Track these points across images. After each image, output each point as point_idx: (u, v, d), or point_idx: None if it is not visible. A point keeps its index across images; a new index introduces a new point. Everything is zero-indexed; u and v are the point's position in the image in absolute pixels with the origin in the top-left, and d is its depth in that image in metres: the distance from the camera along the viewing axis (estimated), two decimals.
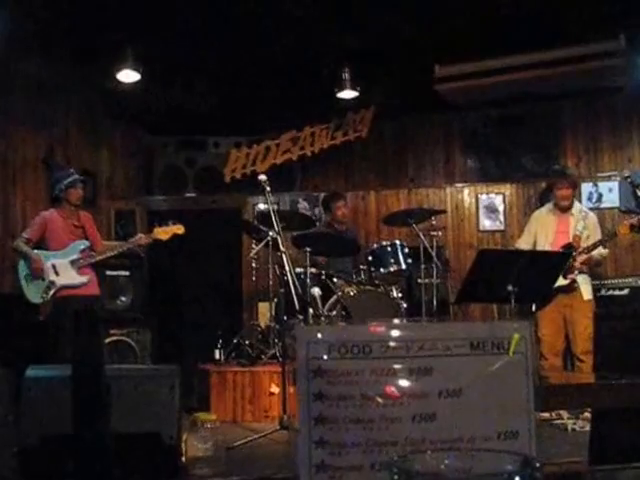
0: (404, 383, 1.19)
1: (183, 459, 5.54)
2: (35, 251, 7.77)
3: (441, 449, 1.06)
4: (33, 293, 7.67)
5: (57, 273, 7.72)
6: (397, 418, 1.18)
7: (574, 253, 7.58)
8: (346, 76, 10.07)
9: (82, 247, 7.96)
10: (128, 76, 9.36)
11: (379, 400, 1.18)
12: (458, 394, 1.19)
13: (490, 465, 0.82)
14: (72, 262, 7.81)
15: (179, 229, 8.17)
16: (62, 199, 7.99)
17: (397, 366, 1.20)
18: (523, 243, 8.23)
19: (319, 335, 1.20)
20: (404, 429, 1.17)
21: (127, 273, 9.47)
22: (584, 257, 7.71)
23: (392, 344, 1.20)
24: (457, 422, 1.18)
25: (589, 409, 5.49)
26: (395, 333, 1.21)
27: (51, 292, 7.66)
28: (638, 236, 10.05)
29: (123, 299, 9.49)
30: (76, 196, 8.05)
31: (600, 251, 7.88)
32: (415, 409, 1.18)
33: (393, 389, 1.18)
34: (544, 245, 7.93)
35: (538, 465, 0.79)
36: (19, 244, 7.82)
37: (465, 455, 0.90)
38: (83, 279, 7.83)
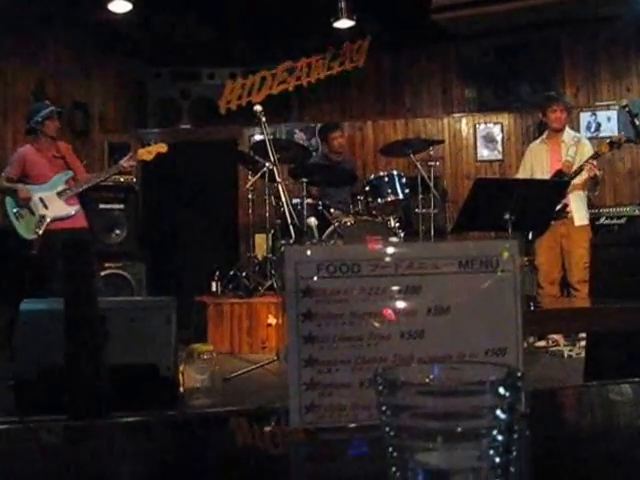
0: (393, 301, 1.18)
1: (181, 390, 5.58)
2: (19, 184, 7.69)
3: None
4: (25, 229, 7.59)
5: (46, 206, 7.63)
6: (386, 335, 1.17)
7: (566, 178, 7.57)
8: (342, 5, 9.96)
9: (67, 178, 7.85)
10: (119, 6, 9.25)
11: (368, 318, 1.17)
12: (447, 312, 1.18)
13: (475, 377, 0.81)
14: (59, 193, 7.71)
15: (162, 147, 8.11)
16: (38, 131, 7.85)
17: (386, 284, 1.18)
18: (520, 177, 8.20)
19: (307, 254, 1.19)
20: (393, 346, 1.17)
21: (121, 206, 9.45)
22: (579, 179, 7.70)
23: (381, 263, 1.19)
24: (446, 339, 1.17)
25: (585, 335, 5.52)
26: (384, 252, 1.20)
27: (43, 226, 7.58)
28: (637, 166, 10.08)
29: (117, 232, 9.47)
30: (53, 128, 7.90)
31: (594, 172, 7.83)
32: (404, 326, 1.17)
33: (382, 307, 1.17)
34: (541, 176, 7.91)
35: (520, 375, 0.78)
36: (1, 184, 7.75)
37: (451, 367, 0.89)
38: (71, 210, 7.77)
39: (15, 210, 7.60)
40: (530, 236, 7.71)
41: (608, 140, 7.78)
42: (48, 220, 7.60)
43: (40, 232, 7.54)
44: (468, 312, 1.18)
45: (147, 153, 8.05)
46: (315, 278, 1.18)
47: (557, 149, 8.01)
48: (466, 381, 0.82)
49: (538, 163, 8.06)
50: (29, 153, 7.82)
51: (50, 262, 7.13)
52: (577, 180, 7.72)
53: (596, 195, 8.45)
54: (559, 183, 7.12)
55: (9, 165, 7.86)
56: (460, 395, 0.77)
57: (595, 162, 7.67)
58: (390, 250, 1.20)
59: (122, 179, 9.68)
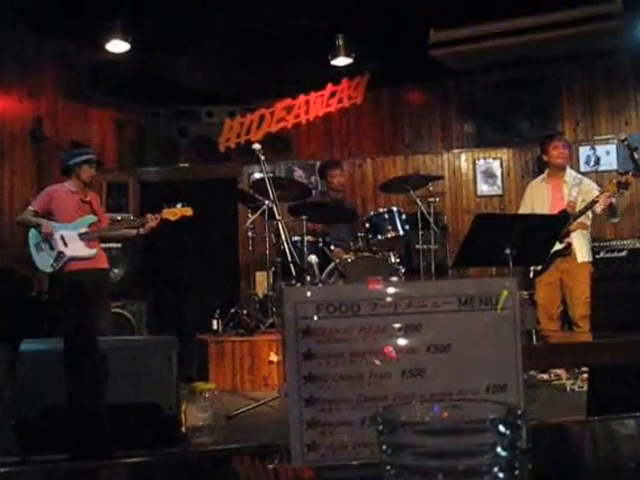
0: (393, 340, 1.18)
1: (183, 428, 5.56)
2: (42, 219, 7.73)
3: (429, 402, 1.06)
4: (43, 262, 7.64)
5: (66, 244, 7.67)
6: (387, 374, 1.17)
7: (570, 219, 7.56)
8: (340, 43, 10.02)
9: (91, 222, 7.90)
10: (117, 46, 9.32)
11: (368, 357, 1.18)
12: (447, 349, 1.19)
13: (475, 415, 0.81)
14: (81, 235, 7.76)
15: (188, 211, 8.12)
16: (73, 173, 7.91)
17: (386, 323, 1.19)
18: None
19: (307, 295, 1.20)
20: (394, 384, 1.17)
21: (119, 245, 9.44)
22: (583, 219, 7.71)
23: (381, 302, 1.20)
24: (446, 377, 1.18)
25: (587, 369, 5.51)
26: (383, 291, 1.20)
27: (61, 262, 7.62)
28: (637, 199, 10.08)
29: (116, 271, 9.44)
30: (88, 174, 7.95)
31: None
32: (404, 365, 1.18)
33: (382, 345, 1.18)
34: None
35: (520, 412, 0.79)
36: (25, 216, 7.80)
37: (451, 406, 0.89)
38: (91, 252, 7.81)
39: (36, 242, 7.66)
40: (532, 274, 7.72)
41: (616, 181, 7.74)
42: (66, 258, 7.63)
43: (57, 267, 7.58)
44: (468, 349, 1.19)
45: (172, 214, 8.06)
46: (315, 318, 1.18)
47: (559, 188, 8.00)
48: (466, 419, 0.82)
49: (539, 202, 8.03)
50: (58, 192, 7.88)
51: (66, 302, 7.14)
52: (580, 220, 7.72)
53: (617, 221, 8.37)
54: (559, 218, 7.11)
55: (36, 199, 7.95)
56: (460, 433, 0.77)
57: (607, 194, 7.62)
58: (389, 289, 1.21)
59: (119, 217, 9.67)
